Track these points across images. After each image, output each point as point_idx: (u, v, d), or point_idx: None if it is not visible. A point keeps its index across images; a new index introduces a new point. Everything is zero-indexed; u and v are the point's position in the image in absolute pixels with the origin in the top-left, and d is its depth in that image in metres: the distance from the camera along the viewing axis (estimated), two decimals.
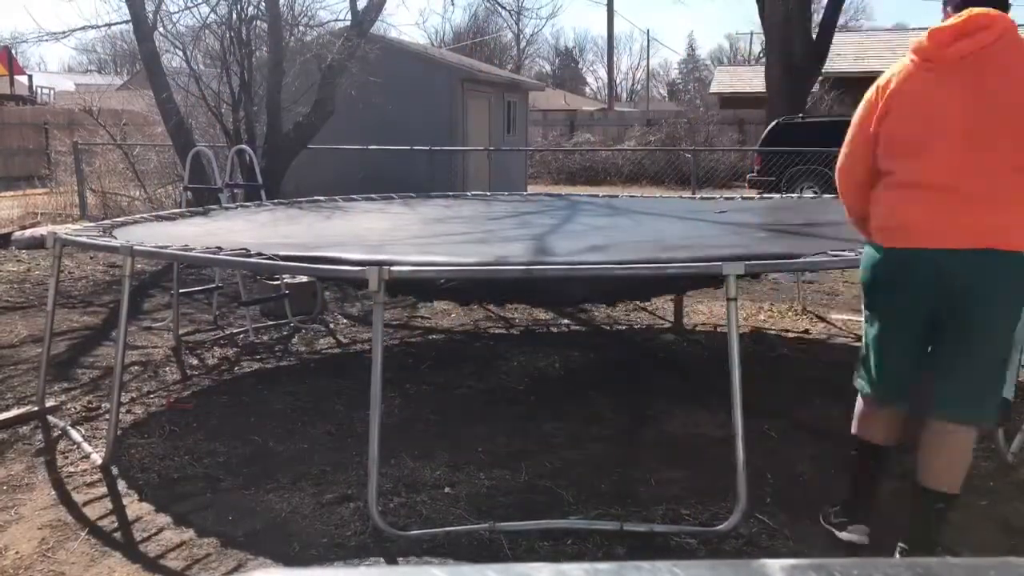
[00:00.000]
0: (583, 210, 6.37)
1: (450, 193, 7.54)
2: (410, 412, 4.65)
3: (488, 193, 8.13)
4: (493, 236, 5.25)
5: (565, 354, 5.82)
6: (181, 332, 6.30)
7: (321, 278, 5.97)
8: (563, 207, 6.46)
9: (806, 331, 6.43)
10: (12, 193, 16.03)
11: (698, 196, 7.89)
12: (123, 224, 5.41)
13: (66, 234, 4.78)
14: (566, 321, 6.87)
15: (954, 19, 2.77)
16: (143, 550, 3.22)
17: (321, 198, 6.80)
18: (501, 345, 6.12)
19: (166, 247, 4.28)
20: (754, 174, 15.68)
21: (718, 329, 6.53)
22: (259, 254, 3.98)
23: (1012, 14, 2.82)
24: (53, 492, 3.74)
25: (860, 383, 3.13)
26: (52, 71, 49.14)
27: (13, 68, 25.55)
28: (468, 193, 7.75)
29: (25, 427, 4.51)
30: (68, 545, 3.26)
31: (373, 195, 7.07)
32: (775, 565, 0.88)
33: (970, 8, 2.74)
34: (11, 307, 7.41)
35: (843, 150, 3.11)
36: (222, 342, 6.25)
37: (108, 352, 5.88)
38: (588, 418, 4.55)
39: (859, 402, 3.20)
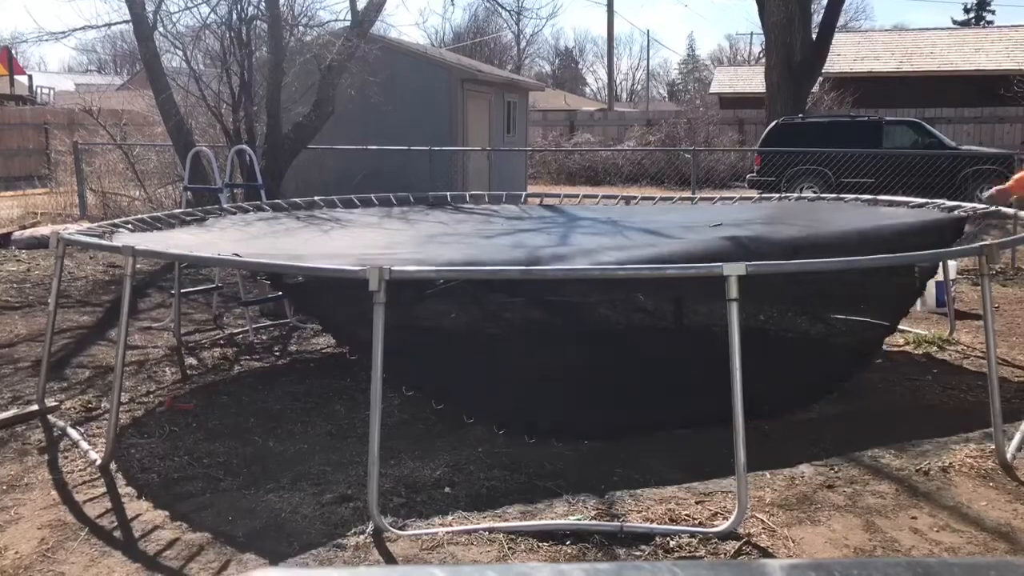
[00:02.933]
0: (583, 227, 6.09)
1: (448, 196, 7.50)
2: (410, 412, 4.65)
3: (486, 195, 8.10)
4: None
5: None
6: (181, 332, 6.29)
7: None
8: (563, 222, 6.23)
9: None
10: (12, 193, 16.03)
11: (697, 197, 7.88)
12: (120, 229, 5.38)
13: (69, 234, 4.78)
14: None
15: None
16: (143, 549, 3.22)
17: (319, 200, 6.79)
18: None
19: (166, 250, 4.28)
20: (754, 174, 15.70)
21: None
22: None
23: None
24: (53, 492, 3.74)
25: None
26: (52, 71, 49.12)
27: (13, 68, 25.52)
28: (466, 195, 7.71)
29: (25, 427, 4.51)
30: (68, 545, 3.26)
31: (372, 196, 7.05)
32: (775, 565, 0.88)
33: None
34: (10, 307, 7.41)
35: None
36: (221, 342, 6.25)
37: (107, 352, 5.88)
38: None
39: None
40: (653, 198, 7.60)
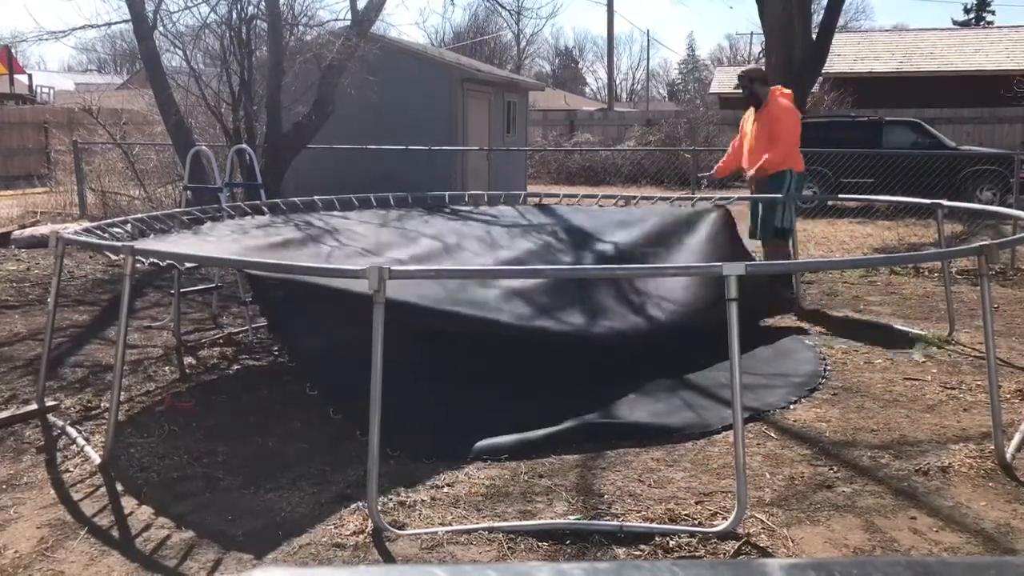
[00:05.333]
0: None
1: (447, 196, 7.49)
2: None
3: (485, 195, 8.10)
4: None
5: None
6: (180, 331, 6.29)
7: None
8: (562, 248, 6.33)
9: (806, 331, 6.43)
10: (11, 192, 16.03)
11: (697, 196, 7.90)
12: (119, 229, 5.39)
13: (69, 234, 4.78)
14: None
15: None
16: (142, 549, 3.22)
17: (318, 200, 6.77)
18: None
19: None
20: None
21: None
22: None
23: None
24: (52, 491, 3.74)
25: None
26: (52, 70, 49.12)
27: (13, 67, 25.52)
28: (465, 195, 7.71)
29: (24, 426, 4.51)
30: (67, 544, 3.26)
31: (371, 196, 7.04)
32: (774, 564, 0.88)
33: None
34: (10, 306, 7.41)
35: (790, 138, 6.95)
36: (220, 341, 6.25)
37: (106, 351, 5.88)
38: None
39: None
40: (653, 200, 7.62)
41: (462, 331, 4.85)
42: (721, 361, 4.80)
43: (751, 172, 7.07)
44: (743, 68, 7.77)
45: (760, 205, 6.99)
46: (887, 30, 36.16)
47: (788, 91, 7.22)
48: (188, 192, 7.41)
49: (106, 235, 5.09)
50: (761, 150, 6.91)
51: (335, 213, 6.64)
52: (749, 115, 7.22)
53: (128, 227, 5.39)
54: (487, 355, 4.83)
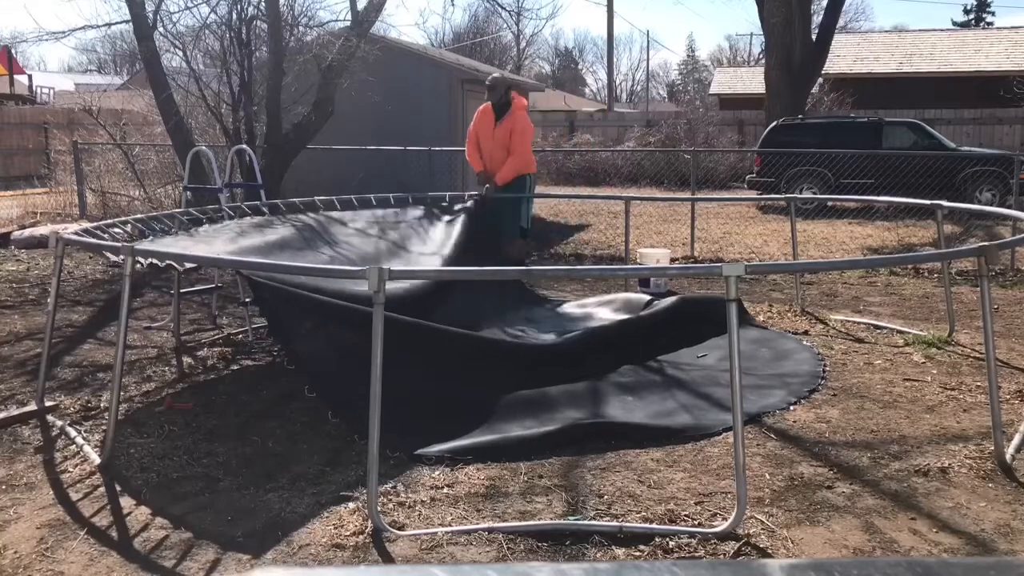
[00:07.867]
0: None
1: (447, 196, 7.52)
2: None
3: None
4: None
5: None
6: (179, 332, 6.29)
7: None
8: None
9: (806, 332, 6.44)
10: (11, 193, 16.02)
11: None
12: (119, 229, 5.39)
13: (68, 234, 4.78)
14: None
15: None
16: (141, 550, 3.21)
17: (318, 201, 6.77)
18: None
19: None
20: (753, 175, 15.70)
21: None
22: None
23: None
24: (52, 492, 3.73)
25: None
26: (52, 71, 49.18)
27: (13, 68, 25.53)
28: (464, 195, 7.74)
29: (23, 426, 4.51)
30: (67, 544, 3.26)
31: (372, 197, 7.05)
32: (774, 565, 0.88)
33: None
34: (9, 306, 7.41)
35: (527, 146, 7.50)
36: (220, 342, 6.25)
37: (105, 351, 5.88)
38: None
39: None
40: (658, 198, 7.65)
41: (457, 336, 4.88)
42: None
43: (493, 181, 7.55)
44: (496, 74, 8.18)
45: (503, 205, 7.52)
46: (887, 31, 36.20)
47: (524, 99, 7.68)
48: (188, 193, 7.40)
49: (106, 236, 5.09)
50: (502, 157, 7.46)
51: (334, 214, 6.65)
52: (486, 118, 7.52)
53: (128, 228, 5.39)
54: (486, 358, 4.85)
